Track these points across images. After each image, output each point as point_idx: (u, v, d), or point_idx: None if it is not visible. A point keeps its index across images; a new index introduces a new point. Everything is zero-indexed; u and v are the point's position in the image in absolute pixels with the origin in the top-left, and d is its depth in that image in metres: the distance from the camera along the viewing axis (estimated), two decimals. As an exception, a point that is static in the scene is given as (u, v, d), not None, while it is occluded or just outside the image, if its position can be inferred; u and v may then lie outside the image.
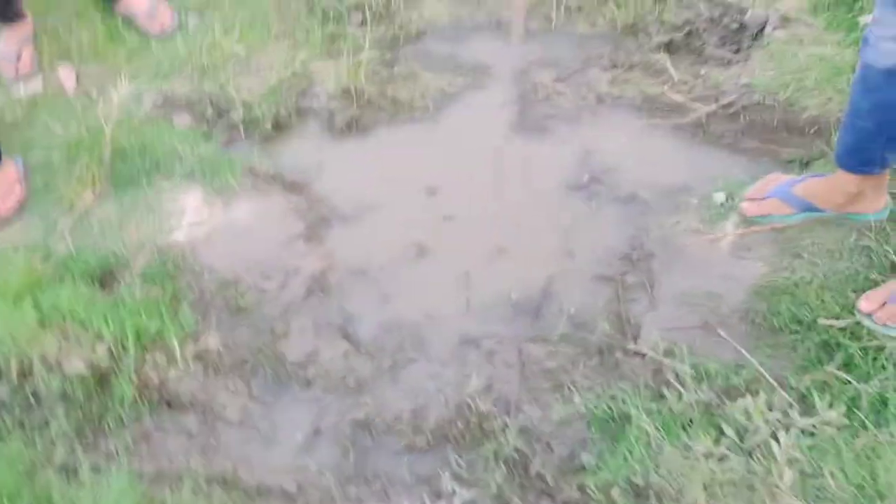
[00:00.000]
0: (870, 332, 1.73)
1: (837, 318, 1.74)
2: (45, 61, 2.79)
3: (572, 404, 1.79)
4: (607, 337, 1.93)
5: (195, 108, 2.59)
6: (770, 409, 1.65)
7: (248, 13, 2.89)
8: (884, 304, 1.73)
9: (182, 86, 2.66)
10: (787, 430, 1.61)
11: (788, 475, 1.52)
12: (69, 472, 1.78)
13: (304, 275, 2.16)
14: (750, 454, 1.61)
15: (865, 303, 1.74)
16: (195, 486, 1.76)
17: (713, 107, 2.31)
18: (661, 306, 1.95)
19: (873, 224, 1.91)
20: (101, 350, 1.90)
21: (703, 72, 2.42)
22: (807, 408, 1.66)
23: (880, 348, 1.72)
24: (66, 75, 2.70)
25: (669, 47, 2.54)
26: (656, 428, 1.67)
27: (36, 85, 2.70)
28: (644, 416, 1.69)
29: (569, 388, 1.83)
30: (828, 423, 1.59)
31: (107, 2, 2.85)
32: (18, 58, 2.72)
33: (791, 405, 1.65)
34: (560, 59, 2.64)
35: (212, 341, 2.00)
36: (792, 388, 1.70)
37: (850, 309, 1.77)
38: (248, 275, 2.16)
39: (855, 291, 1.80)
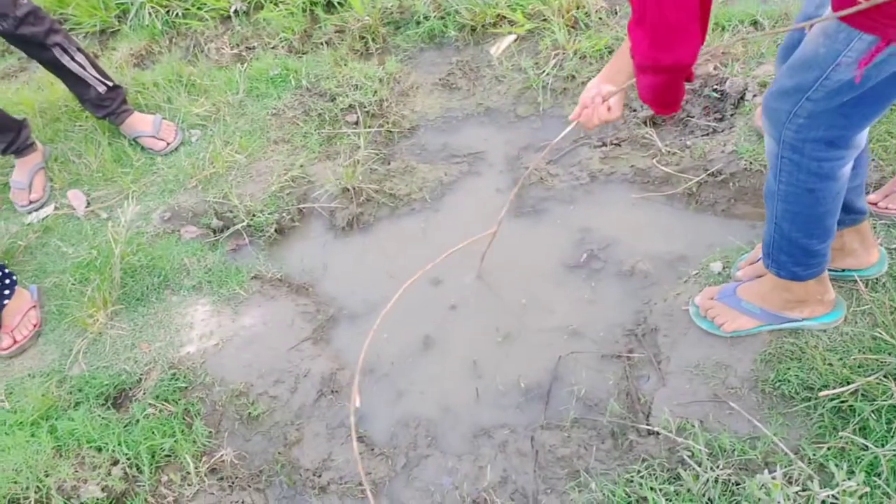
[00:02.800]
0: (883, 392, 1.70)
1: (847, 383, 1.72)
2: (56, 187, 2.90)
3: (589, 492, 1.77)
4: (619, 418, 1.92)
5: (201, 219, 2.68)
6: (790, 483, 1.61)
7: (248, 122, 3.00)
8: None
9: (188, 199, 2.75)
10: (809, 503, 1.57)
11: (814, 552, 1.49)
12: None
13: (315, 378, 2.18)
14: (774, 532, 1.58)
15: None
16: None
17: (702, 176, 2.35)
18: (670, 381, 1.94)
19: (870, 282, 1.91)
20: (117, 473, 1.91)
21: (689, 142, 2.47)
22: (826, 477, 1.63)
23: (895, 407, 1.69)
24: (76, 199, 2.81)
25: (655, 120, 2.60)
26: (676, 511, 1.64)
27: (47, 211, 2.80)
28: (662, 500, 1.66)
29: (585, 474, 1.81)
30: (849, 493, 1.55)
31: (113, 125, 2.98)
32: (30, 186, 2.84)
33: (810, 477, 1.62)
34: (550, 142, 2.69)
35: (226, 454, 2.01)
36: (809, 458, 1.67)
37: (859, 371, 1.75)
38: (259, 382, 2.19)
39: (861, 352, 1.79)
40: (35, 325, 2.39)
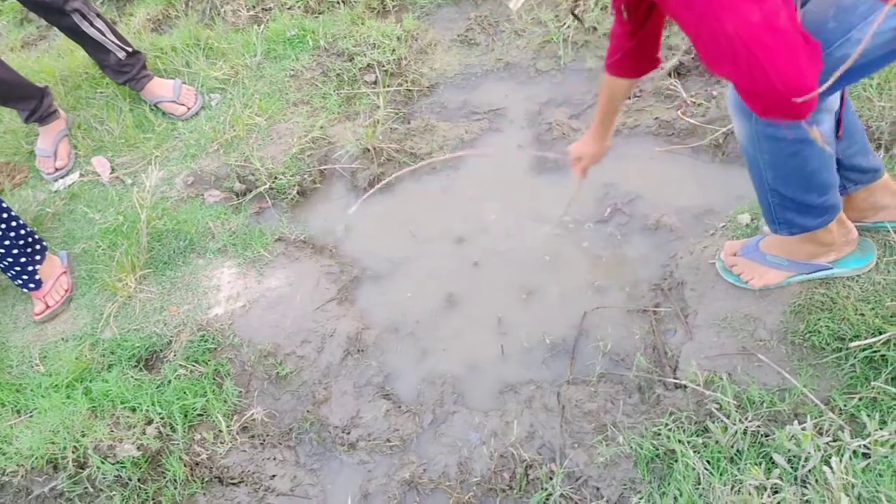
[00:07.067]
0: (916, 343, 1.68)
1: (879, 332, 1.69)
2: (80, 154, 2.92)
3: (616, 445, 1.77)
4: (646, 372, 1.91)
5: (223, 183, 2.68)
6: (820, 434, 1.61)
7: (266, 85, 2.98)
8: None
9: (210, 163, 2.75)
10: (840, 453, 1.56)
11: (845, 502, 1.48)
12: (130, 556, 1.83)
13: (341, 337, 2.20)
14: (804, 482, 1.57)
15: None
16: (251, 560, 1.78)
17: (729, 126, 2.29)
18: (697, 335, 1.93)
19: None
20: (151, 432, 1.95)
21: (715, 92, 2.41)
22: (857, 428, 1.61)
23: (928, 358, 1.67)
24: (100, 166, 2.82)
25: (679, 71, 2.54)
26: (704, 463, 1.64)
27: (73, 178, 2.83)
28: (690, 452, 1.66)
29: (612, 428, 1.82)
30: (881, 443, 1.53)
31: (134, 91, 2.98)
32: (55, 154, 2.86)
33: (841, 427, 1.60)
34: (572, 96, 2.66)
35: (256, 413, 2.04)
36: (840, 409, 1.66)
37: (891, 320, 1.72)
38: (286, 342, 2.21)
39: (894, 301, 1.75)
40: (66, 291, 2.43)
